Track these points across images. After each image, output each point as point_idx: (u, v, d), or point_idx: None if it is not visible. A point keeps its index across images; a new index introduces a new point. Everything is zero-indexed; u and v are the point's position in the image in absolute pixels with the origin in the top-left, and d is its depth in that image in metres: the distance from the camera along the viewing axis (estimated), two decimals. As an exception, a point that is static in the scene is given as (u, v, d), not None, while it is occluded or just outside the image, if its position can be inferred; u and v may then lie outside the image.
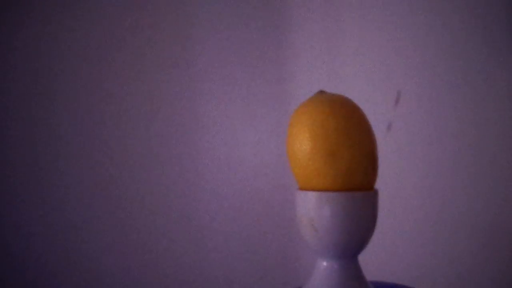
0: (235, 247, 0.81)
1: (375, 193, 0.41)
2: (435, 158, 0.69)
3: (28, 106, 0.74)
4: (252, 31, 0.82)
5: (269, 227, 0.82)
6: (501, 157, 0.63)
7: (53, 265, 0.75)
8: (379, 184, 0.43)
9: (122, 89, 0.77)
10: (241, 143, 0.82)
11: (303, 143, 0.40)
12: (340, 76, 0.78)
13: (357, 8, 0.76)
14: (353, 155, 0.40)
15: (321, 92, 0.43)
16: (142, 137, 0.78)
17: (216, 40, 0.81)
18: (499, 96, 0.63)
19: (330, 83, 0.78)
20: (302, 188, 0.42)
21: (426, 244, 0.70)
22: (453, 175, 0.67)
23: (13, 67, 0.73)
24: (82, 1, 0.76)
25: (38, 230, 0.74)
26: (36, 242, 0.74)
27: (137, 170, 0.78)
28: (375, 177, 0.42)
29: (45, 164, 0.74)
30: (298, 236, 0.43)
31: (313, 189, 0.40)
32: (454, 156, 0.67)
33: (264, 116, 0.82)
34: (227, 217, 0.81)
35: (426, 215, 0.69)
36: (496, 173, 0.64)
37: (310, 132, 0.40)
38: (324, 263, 0.41)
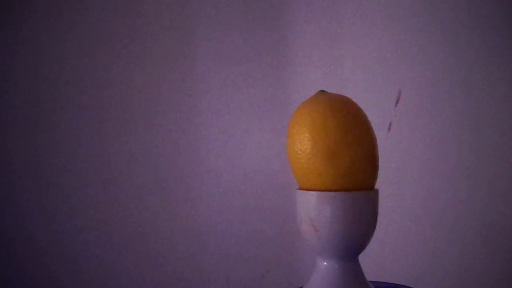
0: (235, 247, 0.81)
1: (375, 193, 0.41)
2: (435, 157, 0.69)
3: (28, 106, 0.74)
4: (252, 32, 0.82)
5: (269, 227, 0.82)
6: (501, 157, 0.63)
7: (53, 266, 0.74)
8: (379, 184, 0.43)
9: (123, 91, 0.77)
10: (242, 143, 0.82)
11: (303, 143, 0.40)
12: (340, 76, 0.78)
13: (357, 8, 0.76)
14: (353, 155, 0.39)
15: (322, 92, 0.43)
16: (143, 138, 0.78)
17: (216, 41, 0.80)
18: (499, 96, 0.63)
19: (331, 83, 0.78)
20: (302, 188, 0.42)
21: (426, 244, 0.70)
22: (454, 175, 0.67)
23: (13, 67, 0.73)
24: (83, 1, 0.76)
25: (39, 230, 0.74)
26: (36, 242, 0.74)
27: (138, 171, 0.78)
28: (376, 176, 0.42)
29: (45, 164, 0.74)
30: (298, 236, 0.43)
31: (313, 189, 0.40)
32: (454, 155, 0.67)
33: (264, 116, 0.82)
34: (227, 217, 0.81)
35: (426, 215, 0.69)
36: (496, 172, 0.64)
37: (311, 132, 0.40)
38: (325, 263, 0.41)
